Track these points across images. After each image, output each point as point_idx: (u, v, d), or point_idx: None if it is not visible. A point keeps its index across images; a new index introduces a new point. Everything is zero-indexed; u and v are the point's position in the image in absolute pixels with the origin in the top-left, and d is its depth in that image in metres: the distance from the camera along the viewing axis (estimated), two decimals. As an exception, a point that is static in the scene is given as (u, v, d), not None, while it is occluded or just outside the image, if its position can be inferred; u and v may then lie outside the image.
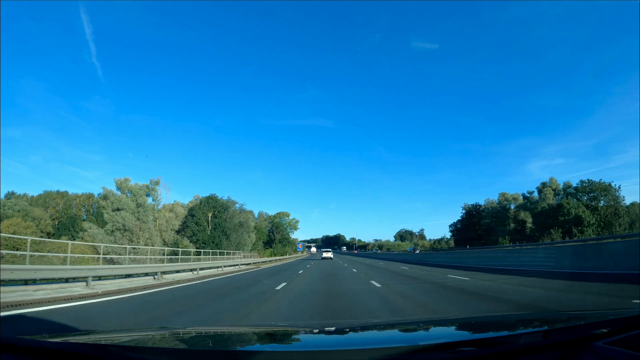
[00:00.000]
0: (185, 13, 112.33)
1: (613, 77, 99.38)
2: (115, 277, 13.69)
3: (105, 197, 43.63)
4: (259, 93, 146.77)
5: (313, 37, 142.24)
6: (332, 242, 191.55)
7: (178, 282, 14.09)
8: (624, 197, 55.90)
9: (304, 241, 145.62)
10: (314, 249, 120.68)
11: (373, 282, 12.73)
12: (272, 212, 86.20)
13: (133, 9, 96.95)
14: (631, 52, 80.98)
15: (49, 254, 21.71)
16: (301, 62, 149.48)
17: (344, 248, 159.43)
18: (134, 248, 29.76)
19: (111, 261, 24.39)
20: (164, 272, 16.02)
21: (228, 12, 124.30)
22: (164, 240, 43.06)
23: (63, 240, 35.94)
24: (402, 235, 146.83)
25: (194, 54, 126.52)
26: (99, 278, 12.40)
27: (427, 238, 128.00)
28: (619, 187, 56.19)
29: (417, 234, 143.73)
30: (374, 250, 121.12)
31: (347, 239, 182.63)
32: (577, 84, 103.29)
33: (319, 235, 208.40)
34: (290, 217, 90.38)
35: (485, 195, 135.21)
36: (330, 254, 53.60)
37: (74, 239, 44.40)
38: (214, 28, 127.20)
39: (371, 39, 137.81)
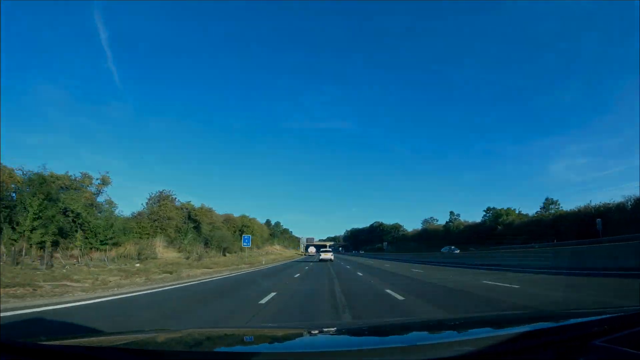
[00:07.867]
0: (201, 16, 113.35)
1: (635, 72, 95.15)
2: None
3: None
4: (278, 96, 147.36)
5: (333, 39, 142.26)
6: (366, 238, 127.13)
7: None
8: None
9: (319, 241, 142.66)
10: (312, 249, 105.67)
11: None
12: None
13: (147, 13, 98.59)
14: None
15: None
16: (321, 64, 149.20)
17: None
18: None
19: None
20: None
21: (245, 15, 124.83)
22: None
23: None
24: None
25: (211, 57, 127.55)
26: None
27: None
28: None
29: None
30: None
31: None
32: (600, 80, 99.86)
33: (340, 232, 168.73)
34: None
35: (509, 197, 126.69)
36: (329, 255, 42.52)
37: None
38: (231, 31, 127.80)
39: (390, 39, 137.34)
